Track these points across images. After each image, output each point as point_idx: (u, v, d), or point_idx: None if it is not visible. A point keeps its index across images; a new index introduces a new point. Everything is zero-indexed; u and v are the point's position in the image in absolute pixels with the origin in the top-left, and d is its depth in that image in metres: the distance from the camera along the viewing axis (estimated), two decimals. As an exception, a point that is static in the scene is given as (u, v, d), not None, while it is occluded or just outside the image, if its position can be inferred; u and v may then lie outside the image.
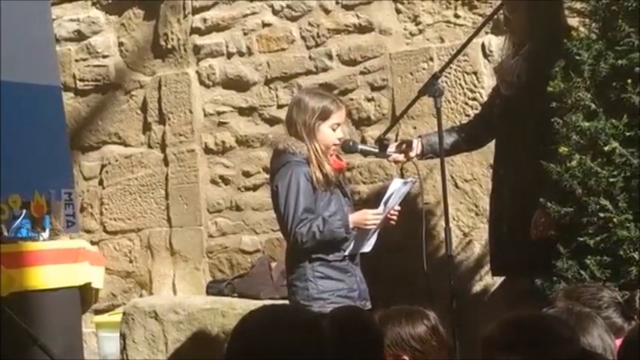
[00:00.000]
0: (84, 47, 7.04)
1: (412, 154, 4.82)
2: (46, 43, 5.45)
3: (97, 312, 6.91)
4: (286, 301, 4.80)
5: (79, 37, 7.05)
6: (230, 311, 5.75)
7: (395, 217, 4.71)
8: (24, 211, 6.44)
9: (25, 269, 6.31)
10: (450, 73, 5.64)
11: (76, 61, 7.07)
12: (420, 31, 5.92)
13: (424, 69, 5.82)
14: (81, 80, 7.04)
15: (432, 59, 5.82)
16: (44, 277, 6.37)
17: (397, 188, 4.65)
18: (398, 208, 4.70)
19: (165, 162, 6.70)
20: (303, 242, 4.57)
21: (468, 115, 5.64)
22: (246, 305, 5.60)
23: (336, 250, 4.64)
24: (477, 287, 5.68)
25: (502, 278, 5.12)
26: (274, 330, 2.42)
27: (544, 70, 4.38)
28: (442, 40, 5.85)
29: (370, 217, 4.65)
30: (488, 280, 5.60)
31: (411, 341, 3.25)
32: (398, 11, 5.98)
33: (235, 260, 6.51)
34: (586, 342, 2.87)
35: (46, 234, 6.68)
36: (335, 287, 4.63)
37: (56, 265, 6.49)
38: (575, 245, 4.15)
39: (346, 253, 4.63)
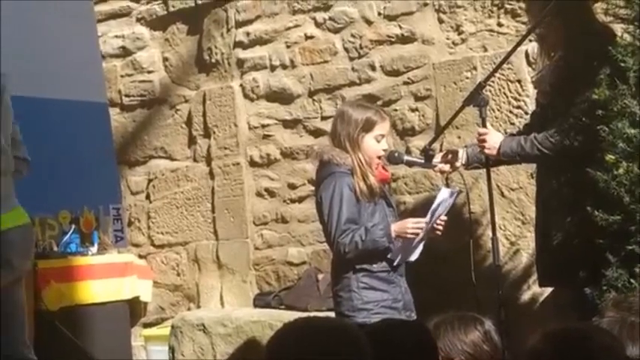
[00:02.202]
0: (129, 63, 7.11)
1: (458, 163, 4.79)
2: (92, 60, 5.52)
3: (146, 325, 6.96)
4: (333, 313, 4.80)
5: (124, 53, 7.13)
6: (278, 323, 5.74)
7: (441, 227, 4.69)
8: (73, 227, 6.51)
9: (75, 284, 6.37)
10: (493, 82, 5.62)
11: (122, 76, 7.14)
12: (463, 41, 5.92)
13: (467, 78, 5.81)
14: (126, 96, 7.11)
15: (475, 68, 5.81)
16: (93, 291, 6.43)
17: (444, 198, 4.64)
18: (444, 218, 4.69)
19: (211, 175, 6.74)
20: (345, 252, 4.57)
21: (512, 124, 5.62)
22: (293, 317, 5.58)
23: (381, 260, 4.64)
24: (525, 296, 5.65)
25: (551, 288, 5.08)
26: (311, 344, 2.43)
27: (576, 78, 4.36)
28: (485, 49, 5.83)
29: (411, 225, 4.64)
30: (535, 290, 5.56)
31: (462, 345, 3.24)
32: (440, 21, 5.98)
33: (282, 272, 6.52)
34: (636, 352, 2.85)
35: (94, 248, 6.73)
36: (379, 298, 4.62)
37: (105, 279, 6.55)
38: (624, 254, 4.11)
39: (395, 263, 4.63)
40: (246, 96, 6.64)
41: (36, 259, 5.64)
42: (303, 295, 6.08)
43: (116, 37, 7.14)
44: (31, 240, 4.49)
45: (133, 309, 6.86)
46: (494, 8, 5.81)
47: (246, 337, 5.99)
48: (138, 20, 7.10)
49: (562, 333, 2.59)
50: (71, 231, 6.55)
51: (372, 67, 6.19)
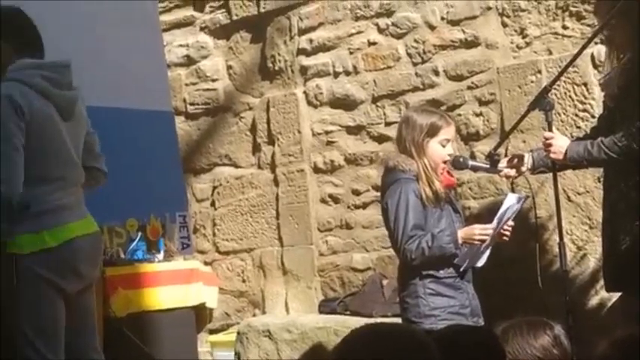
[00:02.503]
0: (193, 72, 7.18)
1: (524, 168, 4.75)
2: (158, 69, 5.60)
3: (212, 331, 7.01)
4: (399, 319, 4.80)
5: (189, 61, 7.20)
6: (343, 329, 5.75)
7: (508, 233, 4.66)
8: (139, 234, 6.58)
9: (142, 290, 6.44)
10: (559, 85, 5.56)
11: (186, 85, 7.21)
12: (528, 44, 5.87)
13: (532, 82, 5.77)
14: (191, 104, 7.18)
15: (540, 72, 5.77)
16: (160, 297, 6.49)
17: (511, 204, 4.60)
18: (511, 223, 4.66)
19: (276, 182, 6.78)
20: (412, 259, 4.56)
21: (578, 127, 5.57)
22: (358, 323, 5.58)
23: (448, 266, 4.62)
24: (593, 302, 5.58)
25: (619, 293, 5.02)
26: (379, 350, 2.43)
27: None
28: (550, 52, 5.78)
29: (478, 231, 4.61)
30: (603, 295, 5.49)
31: (532, 350, 3.21)
32: (504, 25, 5.94)
33: (347, 278, 6.53)
34: None
35: (160, 256, 6.81)
36: (446, 304, 4.60)
37: (171, 285, 6.60)
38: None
39: (462, 269, 4.61)
40: (309, 103, 6.67)
41: (104, 266, 5.71)
42: (368, 301, 6.08)
43: (180, 46, 7.21)
44: (99, 248, 4.56)
45: (199, 315, 6.92)
46: (559, 11, 5.76)
47: (311, 343, 6.00)
48: (202, 29, 7.16)
49: (630, 339, 2.56)
50: (138, 238, 6.63)
51: (436, 72, 6.17)
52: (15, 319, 4.13)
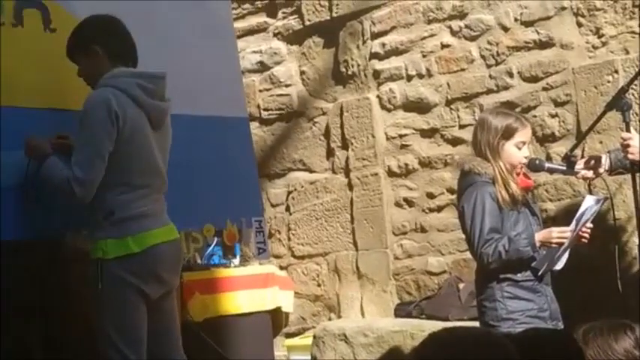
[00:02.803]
0: (267, 78, 7.24)
1: (601, 169, 4.69)
2: (233, 76, 5.65)
3: (288, 335, 7.05)
4: (475, 322, 4.78)
5: (262, 67, 7.26)
6: (419, 333, 5.75)
7: (587, 235, 4.61)
8: (216, 239, 6.64)
9: (218, 295, 6.48)
10: (636, 85, 5.49)
11: (260, 91, 7.27)
12: (603, 44, 5.81)
13: (609, 82, 5.70)
14: (265, 110, 7.24)
15: (616, 72, 5.69)
16: (236, 302, 6.53)
17: (590, 206, 4.55)
18: (590, 225, 4.60)
19: (350, 186, 6.79)
20: (489, 262, 4.53)
21: (657, 127, 5.49)
22: (434, 327, 5.56)
23: (525, 269, 4.58)
24: (674, 304, 5.49)
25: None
26: (459, 353, 2.42)
27: None
28: (627, 52, 5.71)
29: (555, 234, 4.56)
30: (685, 297, 5.41)
31: (613, 352, 3.17)
32: (579, 25, 5.88)
33: (422, 282, 6.51)
34: None
35: (236, 260, 6.85)
36: (524, 307, 4.56)
37: (247, 290, 6.64)
38: None
39: (540, 273, 4.56)
40: (383, 107, 6.67)
41: (182, 271, 5.78)
42: (444, 304, 6.05)
43: (254, 52, 7.27)
44: (180, 255, 4.62)
45: (275, 319, 6.95)
46: (636, 9, 5.69)
47: (387, 346, 6.00)
48: (275, 35, 7.22)
49: None
50: (214, 243, 6.68)
51: (510, 74, 6.13)
52: (99, 321, 4.22)
